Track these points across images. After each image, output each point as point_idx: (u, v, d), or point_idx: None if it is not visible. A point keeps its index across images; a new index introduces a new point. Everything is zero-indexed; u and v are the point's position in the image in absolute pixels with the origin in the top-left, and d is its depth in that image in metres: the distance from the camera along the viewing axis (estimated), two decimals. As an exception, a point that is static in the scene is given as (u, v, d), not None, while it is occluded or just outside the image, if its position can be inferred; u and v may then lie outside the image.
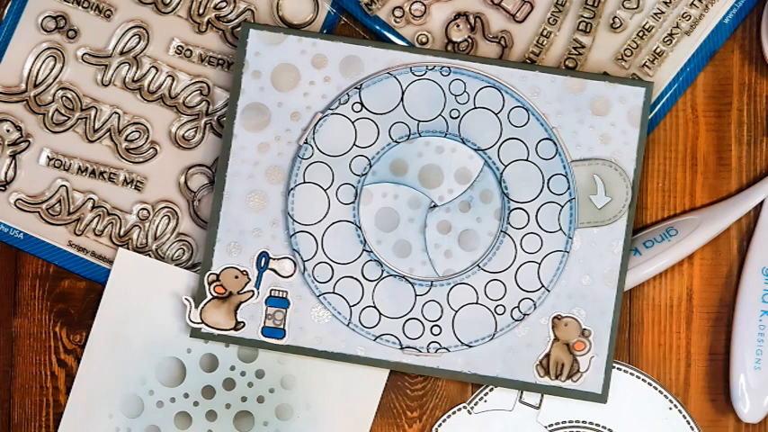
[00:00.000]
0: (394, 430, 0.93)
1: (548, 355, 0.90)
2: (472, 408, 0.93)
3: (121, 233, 0.93)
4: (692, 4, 0.92)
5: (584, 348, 0.90)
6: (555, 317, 0.90)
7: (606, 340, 0.90)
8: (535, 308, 0.90)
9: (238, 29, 0.93)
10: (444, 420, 0.93)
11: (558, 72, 0.90)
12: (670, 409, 0.92)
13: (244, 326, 0.91)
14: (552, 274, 0.90)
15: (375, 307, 0.90)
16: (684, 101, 0.93)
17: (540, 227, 0.90)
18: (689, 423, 0.92)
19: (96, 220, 0.93)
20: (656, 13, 0.92)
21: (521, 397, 0.92)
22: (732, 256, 0.93)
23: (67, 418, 0.93)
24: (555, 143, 0.90)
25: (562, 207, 0.90)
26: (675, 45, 0.92)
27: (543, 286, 0.90)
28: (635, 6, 0.92)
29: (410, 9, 0.93)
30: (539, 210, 0.90)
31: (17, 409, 0.94)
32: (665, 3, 0.92)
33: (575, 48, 0.92)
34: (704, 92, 0.93)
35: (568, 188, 0.90)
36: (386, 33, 0.92)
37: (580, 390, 0.90)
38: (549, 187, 0.90)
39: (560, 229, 0.90)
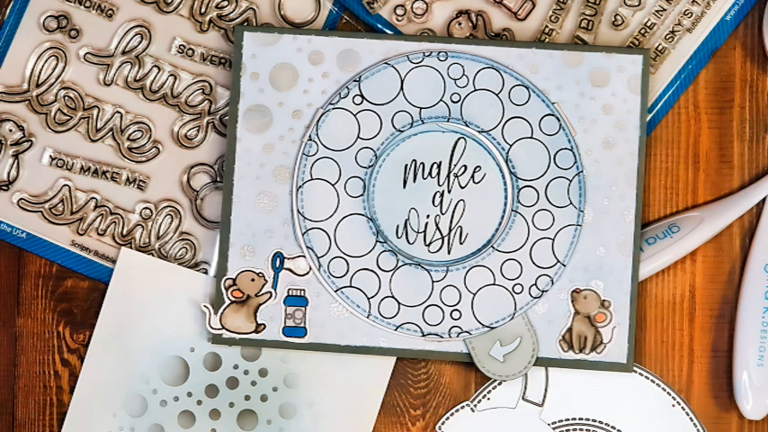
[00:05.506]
0: (397, 428, 0.93)
1: (570, 330, 0.90)
2: (475, 405, 0.93)
3: (124, 232, 0.93)
4: (694, 1, 0.92)
5: (606, 319, 0.90)
6: (573, 291, 0.90)
7: (627, 310, 0.90)
8: (553, 284, 0.90)
9: (240, 28, 0.93)
10: (448, 418, 0.93)
11: (555, 47, 0.90)
12: (673, 405, 0.92)
13: (265, 327, 0.91)
14: (567, 249, 0.90)
15: (393, 297, 0.90)
16: (686, 98, 0.93)
17: (550, 203, 0.90)
18: (692, 420, 0.92)
19: (99, 219, 0.93)
20: (657, 11, 0.92)
21: (524, 394, 0.92)
22: (734, 254, 0.93)
23: (71, 417, 0.93)
24: (558, 118, 0.90)
25: (570, 181, 0.90)
26: (677, 42, 0.92)
27: (559, 261, 0.90)
28: (637, 4, 0.92)
29: (412, 7, 0.93)
30: (547, 186, 0.90)
31: (21, 409, 0.94)
32: (667, 0, 0.92)
33: (577, 45, 0.92)
34: (706, 89, 0.93)
35: (575, 162, 0.90)
36: (387, 32, 0.92)
37: (605, 361, 0.90)
38: (555, 163, 0.90)
39: (570, 203, 0.90)
